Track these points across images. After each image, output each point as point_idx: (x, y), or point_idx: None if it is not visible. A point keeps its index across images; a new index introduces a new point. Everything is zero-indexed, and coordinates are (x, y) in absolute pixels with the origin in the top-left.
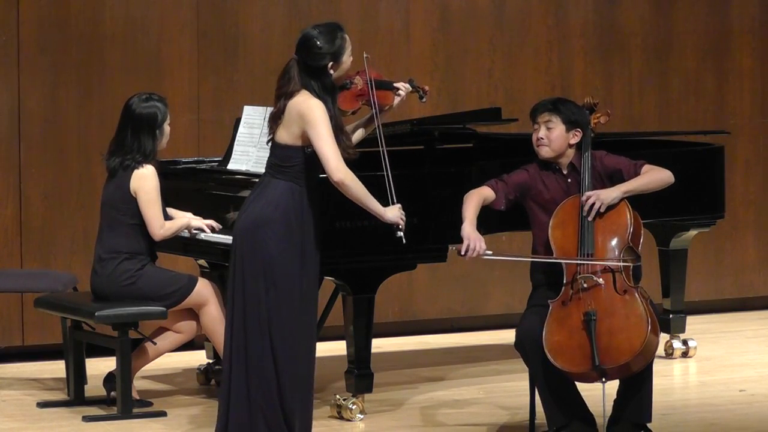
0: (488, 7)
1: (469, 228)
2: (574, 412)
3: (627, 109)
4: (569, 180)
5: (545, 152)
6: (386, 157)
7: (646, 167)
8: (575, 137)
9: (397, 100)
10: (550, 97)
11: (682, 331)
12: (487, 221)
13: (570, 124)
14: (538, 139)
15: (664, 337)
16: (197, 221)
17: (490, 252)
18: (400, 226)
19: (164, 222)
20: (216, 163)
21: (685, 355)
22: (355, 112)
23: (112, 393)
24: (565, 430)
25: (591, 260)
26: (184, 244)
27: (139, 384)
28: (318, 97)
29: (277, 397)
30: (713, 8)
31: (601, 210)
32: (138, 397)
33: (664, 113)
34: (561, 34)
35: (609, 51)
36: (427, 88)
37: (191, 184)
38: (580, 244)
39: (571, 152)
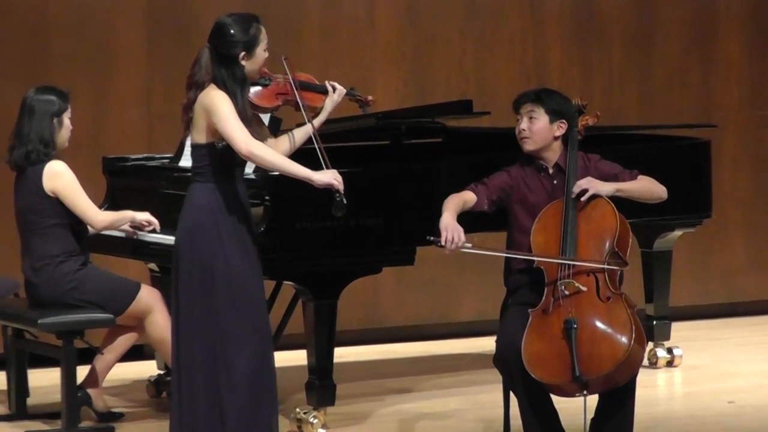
0: None
1: (448, 218)
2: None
3: (606, 101)
4: (555, 182)
5: (528, 145)
6: (314, 124)
7: (642, 176)
8: (560, 129)
9: (329, 103)
10: (535, 87)
11: (667, 338)
12: (463, 221)
13: (554, 115)
14: (520, 131)
15: (647, 345)
16: (143, 214)
17: (469, 245)
18: (339, 190)
19: (99, 210)
20: (167, 160)
21: (670, 364)
22: (274, 111)
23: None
24: None
25: (572, 260)
26: (133, 246)
27: None
28: (227, 88)
29: (238, 414)
30: None
31: (589, 194)
32: (106, 409)
33: (647, 105)
34: (536, 21)
35: (587, 39)
36: (371, 98)
37: (141, 183)
38: (562, 247)
39: (557, 147)
